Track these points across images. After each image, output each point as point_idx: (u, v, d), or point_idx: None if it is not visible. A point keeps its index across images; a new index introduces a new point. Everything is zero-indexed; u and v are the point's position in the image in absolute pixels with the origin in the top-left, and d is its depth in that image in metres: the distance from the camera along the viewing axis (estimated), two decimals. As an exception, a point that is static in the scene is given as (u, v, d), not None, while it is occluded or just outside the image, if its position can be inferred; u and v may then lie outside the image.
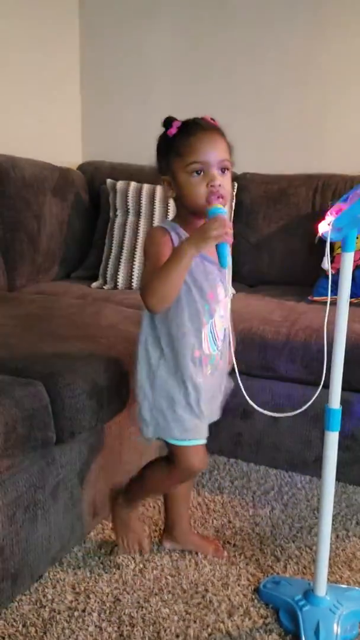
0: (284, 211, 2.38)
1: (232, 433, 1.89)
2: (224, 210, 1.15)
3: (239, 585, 1.36)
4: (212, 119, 1.23)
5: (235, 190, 2.38)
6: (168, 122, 1.20)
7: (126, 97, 2.81)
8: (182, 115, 1.23)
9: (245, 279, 2.43)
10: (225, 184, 1.17)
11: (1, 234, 2.19)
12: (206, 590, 1.34)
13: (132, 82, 2.77)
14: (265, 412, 1.19)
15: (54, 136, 2.73)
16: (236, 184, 2.40)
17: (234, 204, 2.37)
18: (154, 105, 2.66)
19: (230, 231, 1.12)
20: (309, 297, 2.08)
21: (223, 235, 1.10)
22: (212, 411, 1.32)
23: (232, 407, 1.82)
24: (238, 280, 2.39)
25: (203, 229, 1.12)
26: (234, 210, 2.37)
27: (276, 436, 1.84)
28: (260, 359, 1.80)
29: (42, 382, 1.30)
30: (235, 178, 2.46)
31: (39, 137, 2.59)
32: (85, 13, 2.80)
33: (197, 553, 1.46)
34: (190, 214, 1.21)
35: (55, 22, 2.67)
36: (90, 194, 2.58)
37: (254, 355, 1.80)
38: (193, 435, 1.27)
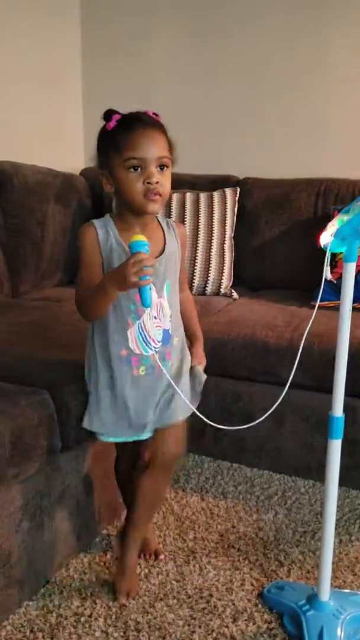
0: (286, 216, 2.39)
1: (235, 438, 1.90)
2: (146, 243, 1.09)
3: (243, 590, 1.38)
4: (154, 113, 1.20)
5: (237, 195, 2.39)
6: (108, 115, 1.18)
7: (128, 102, 2.77)
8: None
9: (247, 283, 2.44)
10: (163, 182, 1.15)
11: (5, 241, 2.20)
12: (210, 595, 1.35)
13: (134, 87, 2.78)
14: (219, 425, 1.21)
15: (56, 142, 2.74)
16: (238, 189, 2.40)
17: (236, 209, 2.37)
18: (156, 111, 2.67)
19: (151, 270, 1.08)
20: (312, 302, 2.09)
21: (141, 281, 1.07)
22: (145, 410, 1.27)
23: (236, 412, 1.85)
24: (240, 284, 2.40)
25: (122, 271, 1.08)
26: (237, 215, 2.38)
27: (279, 441, 1.85)
28: (263, 364, 1.81)
29: (48, 391, 1.31)
30: (237, 183, 2.47)
31: (42, 143, 2.60)
32: (87, 20, 2.81)
33: (201, 558, 1.48)
34: (127, 210, 1.21)
35: (57, 28, 2.69)
36: (93, 199, 2.59)
37: (257, 360, 1.82)
38: (113, 433, 1.29)
